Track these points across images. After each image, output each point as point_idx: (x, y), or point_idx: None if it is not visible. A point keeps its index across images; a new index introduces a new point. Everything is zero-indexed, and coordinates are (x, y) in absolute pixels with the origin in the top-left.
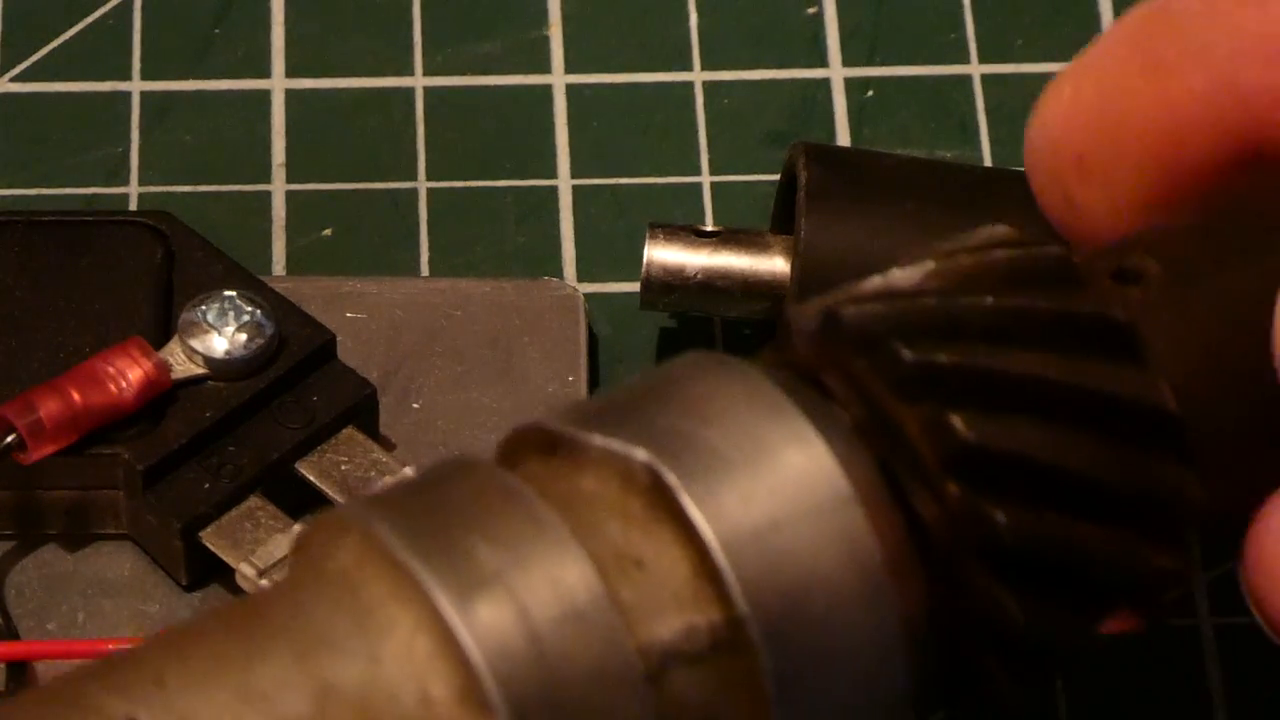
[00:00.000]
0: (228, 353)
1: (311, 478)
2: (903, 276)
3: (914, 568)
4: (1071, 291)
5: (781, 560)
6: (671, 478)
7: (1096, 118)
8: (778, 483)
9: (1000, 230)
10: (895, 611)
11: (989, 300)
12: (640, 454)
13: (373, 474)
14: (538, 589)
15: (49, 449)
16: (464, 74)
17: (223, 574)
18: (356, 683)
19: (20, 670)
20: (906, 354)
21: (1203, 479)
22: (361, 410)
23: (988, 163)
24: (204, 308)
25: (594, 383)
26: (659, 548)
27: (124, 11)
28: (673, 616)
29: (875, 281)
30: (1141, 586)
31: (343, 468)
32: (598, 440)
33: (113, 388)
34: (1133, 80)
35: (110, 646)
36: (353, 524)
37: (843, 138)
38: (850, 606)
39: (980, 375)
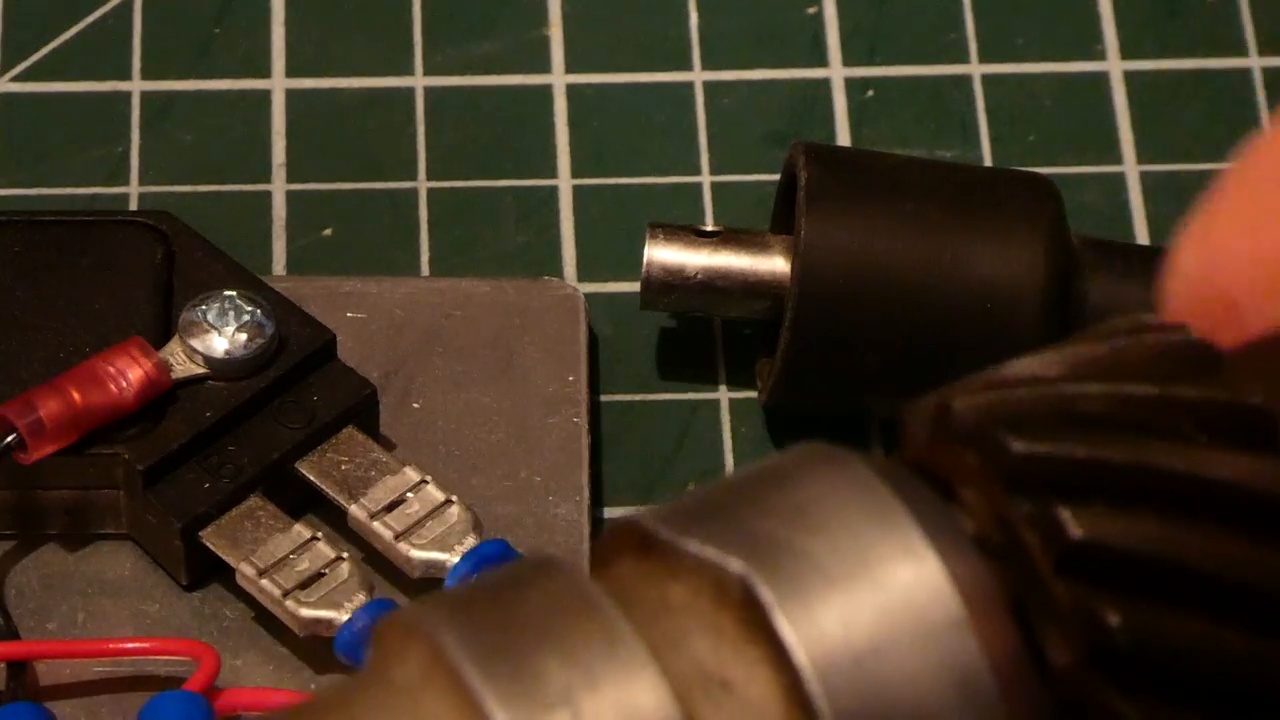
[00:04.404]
0: (228, 352)
1: (311, 477)
2: (1021, 366)
3: (1033, 695)
4: (1201, 376)
5: (882, 690)
6: (766, 593)
7: (1259, 265)
8: (883, 602)
9: (1133, 318)
10: None
11: (1103, 385)
12: (735, 565)
13: (373, 474)
14: (607, 715)
15: (49, 449)
16: (464, 74)
17: (223, 574)
18: None
19: (20, 670)
20: (1014, 444)
21: None
22: (361, 410)
23: (988, 163)
24: (204, 307)
25: (594, 383)
26: (749, 668)
27: (124, 11)
28: None
29: (991, 371)
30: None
31: (343, 467)
32: (692, 546)
33: (113, 387)
34: None
35: (110, 646)
36: (422, 631)
37: (843, 138)
38: None
39: (1093, 465)
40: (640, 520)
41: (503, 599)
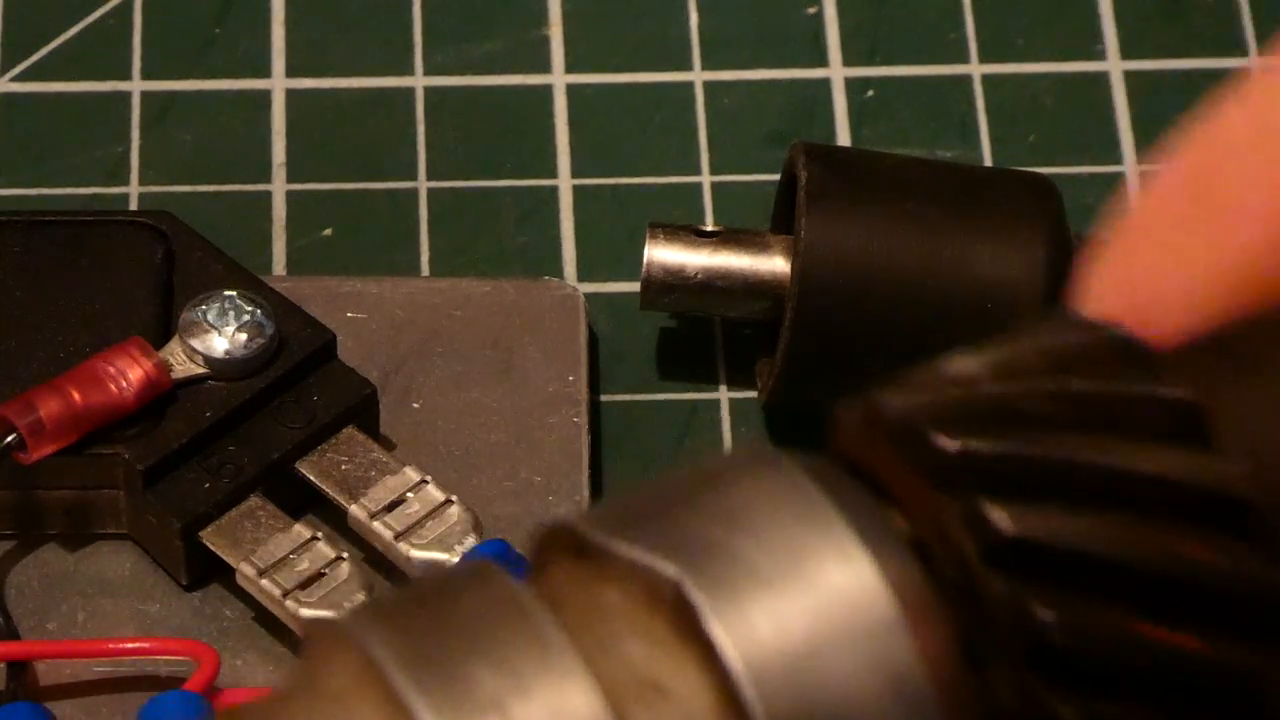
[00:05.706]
0: (228, 352)
1: (311, 477)
2: (957, 365)
3: (969, 696)
4: (1132, 372)
5: (816, 692)
6: (697, 596)
7: (1152, 283)
8: (817, 604)
9: (1072, 318)
10: None
11: (1035, 383)
12: (667, 568)
13: (373, 474)
14: None
15: (49, 449)
16: (464, 74)
17: (223, 574)
18: None
19: (20, 670)
20: (941, 441)
21: None
22: (361, 410)
23: (988, 163)
24: (204, 307)
25: (594, 383)
26: (683, 672)
27: (124, 11)
28: None
29: (926, 369)
30: (1218, 687)
31: (343, 467)
32: (625, 550)
33: (113, 388)
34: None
35: (110, 646)
36: (353, 640)
37: (843, 138)
38: None
39: (1023, 462)
40: (574, 523)
41: (434, 606)
